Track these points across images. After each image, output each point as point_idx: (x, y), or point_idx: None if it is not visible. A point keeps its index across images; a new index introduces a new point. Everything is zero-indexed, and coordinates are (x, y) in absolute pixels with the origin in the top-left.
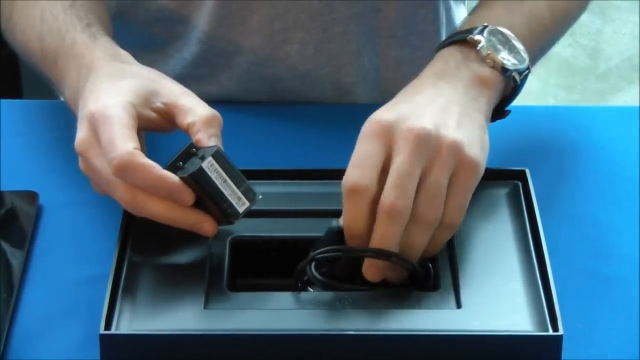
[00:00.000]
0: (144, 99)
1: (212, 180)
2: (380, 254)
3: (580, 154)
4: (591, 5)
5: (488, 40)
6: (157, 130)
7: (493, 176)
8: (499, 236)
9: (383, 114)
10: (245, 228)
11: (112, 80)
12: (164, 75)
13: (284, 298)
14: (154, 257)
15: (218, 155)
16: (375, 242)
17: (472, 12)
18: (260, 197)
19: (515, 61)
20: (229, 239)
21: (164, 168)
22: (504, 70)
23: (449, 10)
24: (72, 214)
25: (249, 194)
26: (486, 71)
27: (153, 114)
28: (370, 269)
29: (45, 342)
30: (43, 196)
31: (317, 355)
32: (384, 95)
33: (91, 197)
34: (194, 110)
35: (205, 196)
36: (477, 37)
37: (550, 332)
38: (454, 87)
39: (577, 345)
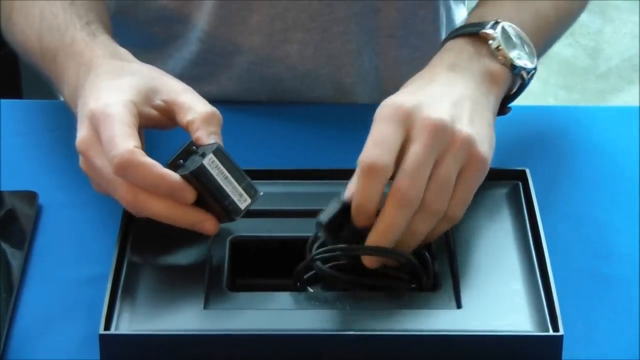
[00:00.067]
0: (145, 97)
1: (213, 177)
2: (377, 251)
3: (580, 154)
4: (591, 5)
5: (501, 36)
6: (157, 127)
7: (493, 176)
8: (499, 236)
9: (402, 99)
10: (245, 228)
11: (112, 78)
12: (164, 72)
13: (284, 298)
14: (154, 257)
15: (219, 152)
16: (380, 227)
17: (479, 6)
18: (262, 193)
19: (525, 59)
20: (229, 239)
21: (164, 167)
22: (513, 67)
23: (449, 11)
24: (71, 214)
25: (250, 191)
26: (496, 67)
27: (153, 112)
28: (368, 259)
29: (45, 342)
30: (43, 196)
31: (317, 355)
32: (384, 95)
33: (91, 197)
34: (194, 108)
35: (207, 193)
36: (490, 31)
37: (551, 332)
38: (467, 81)
39: (577, 345)
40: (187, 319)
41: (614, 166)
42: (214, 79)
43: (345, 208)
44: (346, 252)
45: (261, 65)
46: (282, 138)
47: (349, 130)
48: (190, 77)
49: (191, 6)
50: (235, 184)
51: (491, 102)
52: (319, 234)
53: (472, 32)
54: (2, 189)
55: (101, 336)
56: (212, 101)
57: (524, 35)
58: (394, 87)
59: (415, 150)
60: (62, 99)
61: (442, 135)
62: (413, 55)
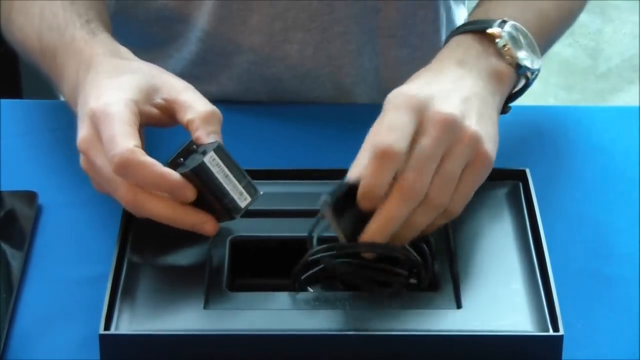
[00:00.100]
0: (146, 95)
1: (213, 175)
2: (373, 247)
3: (580, 154)
4: (591, 5)
5: (508, 36)
6: (158, 125)
7: (493, 176)
8: (499, 236)
9: (416, 90)
10: (245, 228)
11: (113, 77)
12: (164, 70)
13: (284, 298)
14: (154, 257)
15: (220, 150)
16: (382, 218)
17: (481, 5)
18: (262, 192)
19: (531, 60)
20: (229, 239)
21: (164, 165)
22: (518, 67)
23: (449, 11)
24: (71, 214)
25: (250, 190)
26: (503, 66)
27: (154, 110)
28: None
29: (45, 342)
30: (42, 196)
31: (317, 355)
32: (384, 95)
33: (91, 197)
34: (194, 107)
35: (207, 191)
36: (497, 30)
37: (551, 332)
38: (475, 78)
39: (577, 345)
40: (187, 319)
41: (614, 166)
42: (214, 79)
43: (352, 190)
44: (340, 249)
45: (261, 65)
46: (282, 138)
47: (349, 130)
48: (190, 76)
49: (191, 6)
50: (236, 182)
51: (496, 101)
52: (323, 214)
53: (480, 30)
54: (2, 189)
55: (101, 336)
56: (212, 101)
57: (529, 35)
58: (394, 87)
59: (425, 143)
60: (61, 98)
61: (452, 130)
62: (413, 55)
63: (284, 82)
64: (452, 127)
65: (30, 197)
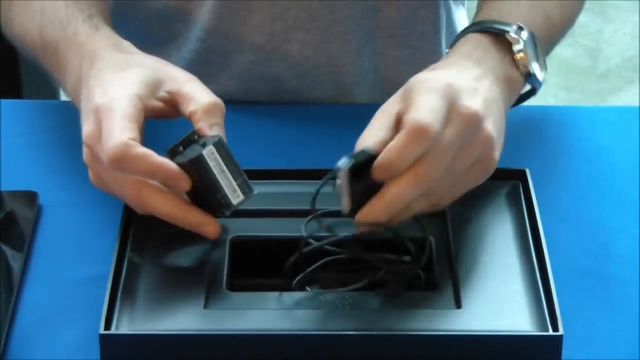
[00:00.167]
0: (150, 89)
1: (210, 168)
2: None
3: (581, 154)
4: (591, 5)
5: (525, 45)
6: (163, 118)
7: (493, 176)
8: (499, 236)
9: (449, 79)
10: (245, 228)
11: (117, 71)
12: (168, 62)
13: (284, 298)
14: (154, 257)
15: (219, 145)
16: (388, 197)
17: (486, 6)
18: (256, 192)
19: (542, 73)
20: (229, 238)
21: (165, 151)
22: (528, 76)
23: (449, 11)
24: (72, 214)
25: (244, 188)
26: (516, 74)
27: (159, 103)
28: (361, 226)
29: (45, 342)
30: (43, 196)
31: (317, 355)
32: (384, 95)
33: (91, 197)
34: (196, 99)
35: (201, 184)
36: (515, 37)
37: (550, 332)
38: (492, 82)
39: (577, 345)
40: (187, 319)
41: (614, 166)
42: (214, 78)
43: (370, 160)
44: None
45: (261, 65)
46: (282, 138)
47: (349, 130)
48: None
49: (192, 5)
50: (231, 178)
51: (507, 107)
52: (337, 180)
53: (498, 32)
54: (2, 189)
55: (101, 336)
56: None
57: (540, 47)
58: (394, 87)
59: (449, 132)
60: (61, 96)
61: (475, 128)
62: (413, 55)
63: (284, 82)
64: (475, 124)
65: (30, 197)
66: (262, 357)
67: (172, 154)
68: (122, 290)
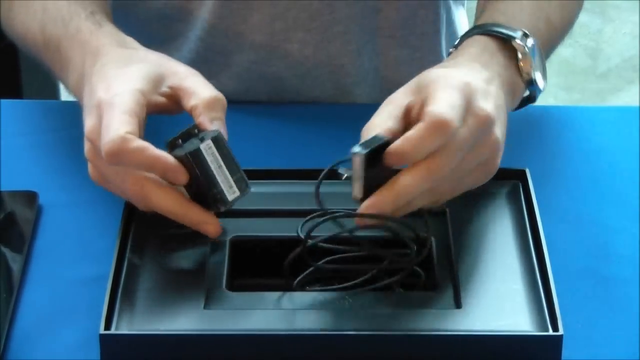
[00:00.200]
0: (153, 85)
1: (207, 163)
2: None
3: (580, 154)
4: (591, 5)
5: (530, 53)
6: (166, 113)
7: (493, 176)
8: (499, 236)
9: (467, 78)
10: (245, 228)
11: (120, 67)
12: (170, 58)
13: (284, 298)
14: (154, 257)
15: (218, 140)
16: (397, 189)
17: (490, 6)
18: (252, 189)
19: (543, 82)
20: (228, 239)
21: (165, 143)
22: (529, 84)
23: (449, 11)
24: (72, 214)
25: (241, 184)
26: (519, 81)
27: (161, 99)
28: (360, 220)
29: (45, 342)
30: (43, 196)
31: (317, 355)
32: (384, 95)
33: (91, 197)
34: (197, 93)
35: (198, 178)
36: (520, 43)
37: (550, 332)
38: (498, 88)
39: (577, 345)
40: (187, 319)
41: (614, 166)
42: (214, 78)
43: (384, 146)
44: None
45: (261, 65)
46: (282, 138)
47: (349, 130)
48: None
49: (193, 5)
50: (228, 174)
51: (508, 114)
52: (352, 165)
53: (505, 37)
54: (2, 189)
55: (101, 336)
56: None
57: (543, 55)
58: (394, 87)
59: (464, 132)
60: (62, 98)
61: (486, 130)
62: (413, 55)
63: (284, 82)
64: (488, 127)
65: (30, 197)
66: (262, 357)
67: (171, 147)
68: (122, 290)
